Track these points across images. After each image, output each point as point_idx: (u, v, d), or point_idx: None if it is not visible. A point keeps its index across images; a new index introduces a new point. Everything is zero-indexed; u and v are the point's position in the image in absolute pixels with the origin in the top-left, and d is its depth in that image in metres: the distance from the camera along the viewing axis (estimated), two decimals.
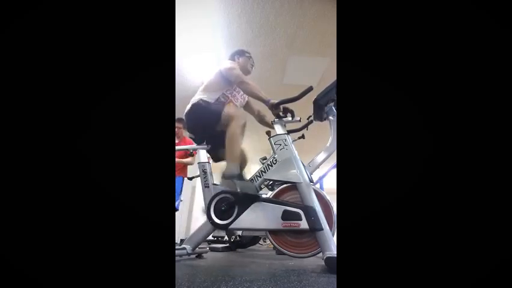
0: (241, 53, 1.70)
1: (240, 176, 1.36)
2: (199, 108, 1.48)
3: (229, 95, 1.57)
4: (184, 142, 2.57)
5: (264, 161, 1.46)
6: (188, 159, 2.59)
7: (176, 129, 2.56)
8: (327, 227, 1.19)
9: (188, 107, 1.53)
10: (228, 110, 1.40)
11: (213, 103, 1.49)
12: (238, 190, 1.29)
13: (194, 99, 1.53)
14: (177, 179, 2.52)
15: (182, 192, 2.74)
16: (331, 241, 1.17)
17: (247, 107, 1.77)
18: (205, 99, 1.50)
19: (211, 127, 1.44)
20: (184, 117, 1.58)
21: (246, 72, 1.62)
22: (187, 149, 1.69)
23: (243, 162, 1.61)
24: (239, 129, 1.37)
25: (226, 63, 1.56)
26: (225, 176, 1.37)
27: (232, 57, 1.70)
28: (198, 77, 3.17)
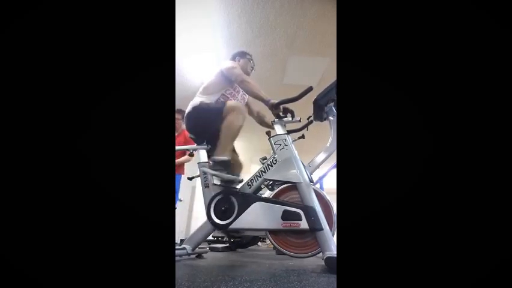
0: (242, 54, 1.71)
1: (228, 165, 1.39)
2: (200, 109, 1.49)
3: (229, 95, 1.57)
4: (183, 136, 2.55)
5: (264, 161, 1.46)
6: (185, 158, 2.57)
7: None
8: (327, 227, 1.19)
9: (189, 108, 1.53)
10: (230, 103, 1.42)
11: (214, 103, 1.50)
12: (223, 182, 1.36)
13: (194, 102, 1.53)
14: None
15: (183, 192, 2.73)
16: (331, 241, 1.17)
17: (246, 108, 1.77)
18: (205, 101, 1.50)
19: (212, 126, 1.43)
20: (184, 117, 1.58)
21: (246, 73, 1.62)
22: (187, 149, 1.69)
23: (237, 167, 1.62)
24: (238, 121, 1.38)
25: (227, 63, 1.57)
26: (215, 160, 1.39)
27: (233, 58, 1.71)
28: (198, 77, 3.17)
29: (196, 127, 1.57)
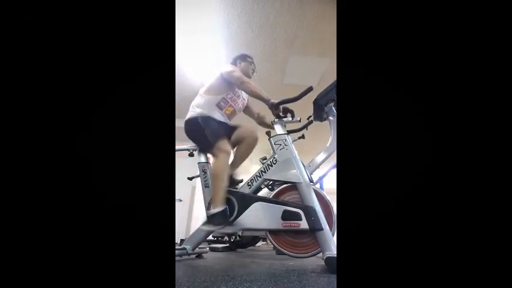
0: (243, 57, 1.71)
1: (226, 215, 1.33)
2: (195, 127, 1.50)
3: (229, 100, 1.58)
4: None
5: (264, 161, 1.46)
6: None
7: None
8: (327, 227, 1.19)
9: (189, 116, 1.54)
10: (219, 145, 1.42)
11: (209, 124, 1.49)
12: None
13: (193, 112, 1.53)
14: None
15: (183, 192, 2.72)
16: (331, 241, 1.17)
17: (246, 109, 1.77)
18: (204, 114, 1.51)
19: (205, 141, 1.47)
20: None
21: (247, 76, 1.63)
22: (187, 149, 1.69)
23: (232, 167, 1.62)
24: (225, 167, 1.39)
25: (226, 67, 1.57)
26: (210, 221, 1.33)
27: (234, 62, 1.71)
28: (198, 77, 3.17)
29: (191, 137, 1.60)
